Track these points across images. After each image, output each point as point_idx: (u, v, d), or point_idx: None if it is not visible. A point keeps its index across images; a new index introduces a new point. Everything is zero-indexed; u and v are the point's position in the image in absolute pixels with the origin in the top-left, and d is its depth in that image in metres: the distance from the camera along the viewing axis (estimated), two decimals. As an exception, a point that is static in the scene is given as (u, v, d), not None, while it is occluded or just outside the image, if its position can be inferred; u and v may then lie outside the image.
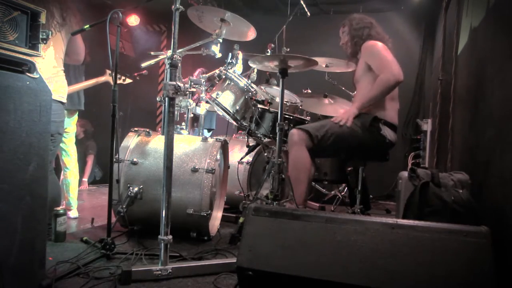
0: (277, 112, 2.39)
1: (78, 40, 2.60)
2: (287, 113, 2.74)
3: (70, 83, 2.99)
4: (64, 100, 2.44)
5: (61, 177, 3.12)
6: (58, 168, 3.20)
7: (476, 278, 1.26)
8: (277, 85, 3.15)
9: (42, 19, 1.48)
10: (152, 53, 2.60)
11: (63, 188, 3.06)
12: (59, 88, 2.36)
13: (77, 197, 3.12)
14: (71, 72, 3.14)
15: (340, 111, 2.67)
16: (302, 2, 3.63)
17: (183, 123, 2.93)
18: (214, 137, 2.65)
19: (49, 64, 2.33)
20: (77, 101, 3.18)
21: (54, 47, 2.37)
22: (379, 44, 2.56)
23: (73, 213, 3.04)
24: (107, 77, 3.15)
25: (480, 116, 2.18)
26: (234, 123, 2.90)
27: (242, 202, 2.75)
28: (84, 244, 2.27)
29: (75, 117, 3.16)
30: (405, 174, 2.16)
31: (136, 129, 2.70)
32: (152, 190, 2.39)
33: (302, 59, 2.29)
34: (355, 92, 2.79)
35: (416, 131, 4.92)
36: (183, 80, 2.81)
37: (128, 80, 3.40)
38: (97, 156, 5.25)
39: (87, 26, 2.30)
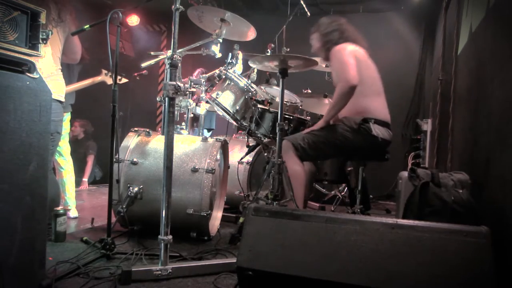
0: (277, 112, 2.39)
1: (75, 38, 2.60)
2: (287, 113, 2.74)
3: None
4: (63, 99, 2.45)
5: (57, 177, 3.12)
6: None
7: (476, 278, 1.26)
8: (277, 85, 3.15)
9: (42, 19, 1.48)
10: (152, 53, 2.60)
11: (60, 189, 3.05)
12: (57, 87, 2.37)
13: (74, 196, 3.11)
14: (65, 72, 3.14)
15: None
16: (302, 2, 3.63)
17: (183, 123, 2.93)
18: (214, 137, 2.65)
19: (47, 63, 2.33)
20: (66, 101, 3.17)
21: (52, 46, 2.37)
22: (344, 48, 2.49)
23: (73, 213, 3.04)
24: (103, 77, 3.14)
25: (480, 116, 2.18)
26: (234, 123, 2.90)
27: (242, 202, 2.75)
28: (84, 244, 2.27)
29: (67, 117, 3.15)
30: (405, 174, 2.16)
31: (136, 129, 2.70)
32: (152, 190, 2.39)
33: (302, 59, 2.29)
34: None
35: (416, 131, 4.91)
36: (183, 80, 2.81)
37: (124, 80, 3.40)
38: (97, 156, 5.25)
39: (87, 26, 2.30)
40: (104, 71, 3.14)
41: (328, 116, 2.50)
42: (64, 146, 3.10)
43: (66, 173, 3.09)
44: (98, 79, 3.14)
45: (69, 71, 3.20)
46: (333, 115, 2.49)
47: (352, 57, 2.45)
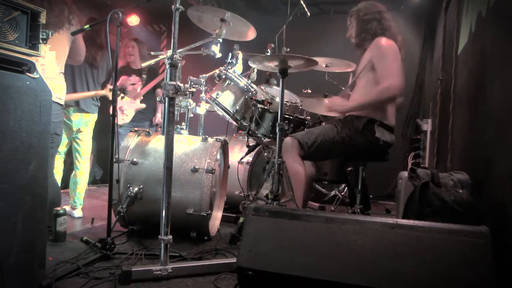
0: (277, 112, 2.39)
1: (80, 41, 2.62)
2: (287, 113, 2.74)
3: (87, 86, 3.11)
4: (62, 102, 2.46)
5: (71, 175, 3.14)
6: (71, 167, 3.24)
7: (476, 278, 1.26)
8: (277, 85, 3.15)
9: (42, 19, 1.48)
10: (152, 53, 2.60)
11: (71, 187, 3.08)
12: (57, 89, 2.37)
13: (83, 197, 3.13)
14: (89, 76, 3.18)
15: (327, 101, 2.65)
16: (302, 2, 3.62)
17: (183, 123, 2.93)
18: (214, 137, 2.65)
19: (49, 66, 2.34)
20: (93, 103, 3.18)
21: (57, 49, 2.38)
22: (392, 47, 2.44)
23: (78, 213, 3.05)
24: (106, 92, 3.15)
25: (480, 116, 2.18)
26: (234, 123, 2.90)
27: (242, 202, 2.75)
28: (84, 244, 2.27)
29: (90, 118, 3.15)
30: (405, 174, 2.15)
31: (136, 129, 2.70)
32: (152, 190, 2.39)
33: (302, 59, 2.29)
34: (349, 84, 2.75)
35: (416, 131, 4.91)
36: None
37: (127, 99, 3.42)
38: (97, 156, 5.24)
39: (87, 26, 2.31)
40: (109, 86, 3.15)
41: (355, 108, 2.48)
42: (84, 147, 3.12)
43: (80, 173, 3.12)
44: (101, 92, 3.15)
45: (94, 79, 3.22)
46: (361, 109, 2.47)
47: (400, 63, 2.41)
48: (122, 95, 3.36)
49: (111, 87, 3.12)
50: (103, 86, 3.31)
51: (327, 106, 2.62)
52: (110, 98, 3.14)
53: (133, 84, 4.03)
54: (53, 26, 2.32)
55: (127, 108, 4.05)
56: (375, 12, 2.56)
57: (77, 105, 3.03)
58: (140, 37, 6.46)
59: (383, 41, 2.47)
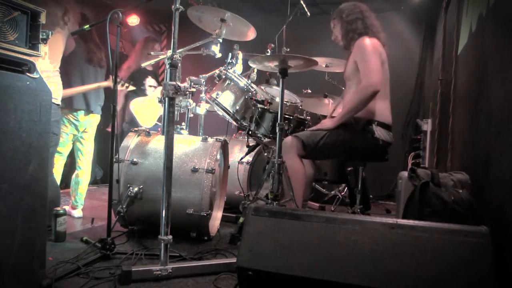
0: (277, 112, 2.39)
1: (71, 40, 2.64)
2: (287, 113, 2.74)
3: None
4: (58, 102, 2.45)
5: (73, 175, 3.14)
6: (71, 167, 3.24)
7: (476, 278, 1.26)
8: (277, 85, 3.15)
9: (42, 19, 1.48)
10: (152, 53, 2.60)
11: (72, 187, 3.08)
12: (53, 89, 2.37)
13: (84, 197, 3.13)
14: (92, 74, 3.17)
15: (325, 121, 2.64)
16: (302, 2, 3.62)
17: (183, 123, 2.93)
18: (214, 137, 2.65)
19: (44, 64, 2.35)
20: (98, 104, 3.16)
21: (52, 47, 2.39)
22: (372, 44, 2.45)
23: (78, 213, 3.05)
24: (109, 83, 3.14)
25: (480, 116, 2.18)
26: (234, 123, 2.90)
27: (242, 202, 2.75)
28: (84, 244, 2.27)
29: (95, 119, 3.14)
30: (405, 174, 2.15)
31: (136, 129, 2.70)
32: (152, 190, 2.39)
33: (302, 59, 2.29)
34: (345, 90, 2.74)
35: (416, 131, 4.91)
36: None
37: (131, 88, 3.39)
38: (97, 156, 5.24)
39: (87, 26, 2.31)
40: (112, 77, 3.14)
41: (343, 118, 2.45)
42: (87, 147, 3.13)
43: (82, 173, 3.12)
44: (104, 84, 3.14)
45: (96, 74, 3.21)
46: (349, 118, 2.45)
47: (379, 58, 2.41)
48: (126, 84, 3.32)
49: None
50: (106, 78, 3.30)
51: (318, 125, 2.59)
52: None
53: (155, 87, 4.03)
54: (47, 26, 2.32)
55: (152, 113, 4.01)
56: (358, 12, 2.57)
57: (88, 108, 3.03)
58: (140, 37, 6.48)
59: (365, 40, 2.46)
